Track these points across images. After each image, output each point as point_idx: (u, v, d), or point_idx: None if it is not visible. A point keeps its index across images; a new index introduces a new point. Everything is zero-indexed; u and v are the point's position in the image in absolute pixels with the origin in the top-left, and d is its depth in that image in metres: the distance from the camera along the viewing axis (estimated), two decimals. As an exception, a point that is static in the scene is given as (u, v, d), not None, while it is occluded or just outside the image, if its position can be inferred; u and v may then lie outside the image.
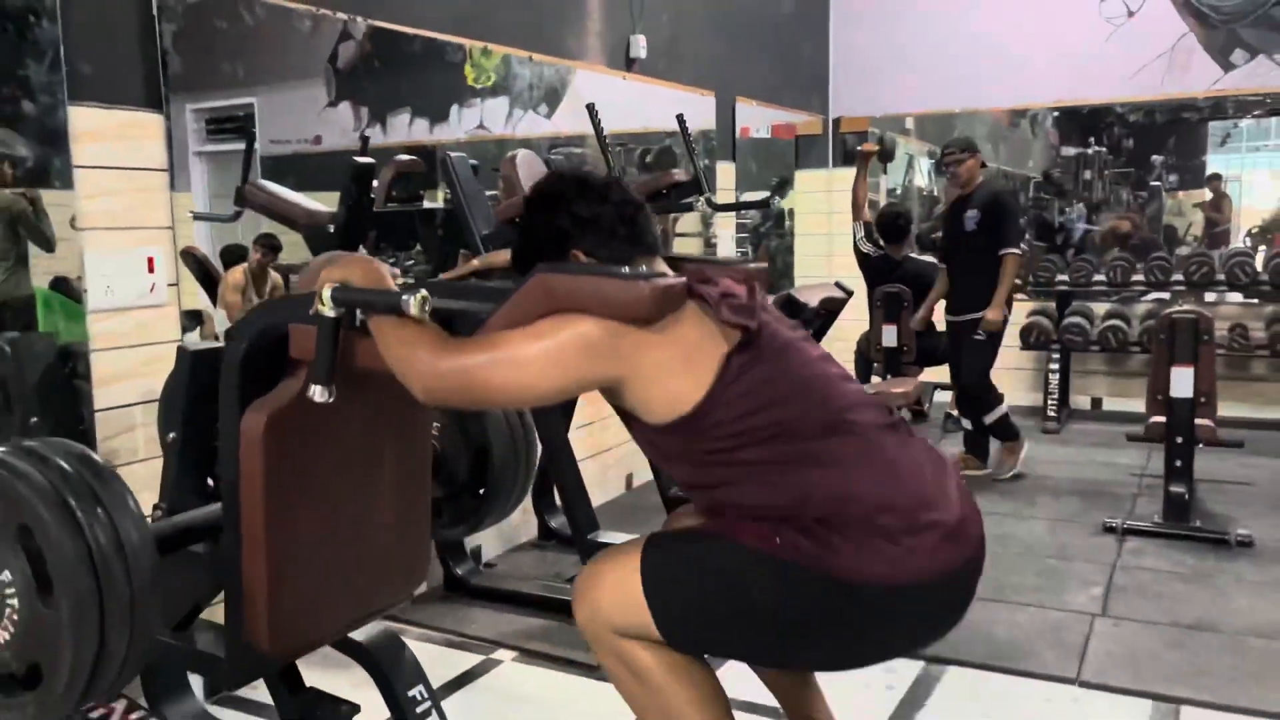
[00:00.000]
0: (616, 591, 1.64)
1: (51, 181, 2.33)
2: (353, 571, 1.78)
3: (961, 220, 4.64)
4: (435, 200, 3.47)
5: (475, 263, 2.08)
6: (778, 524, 1.56)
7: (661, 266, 1.72)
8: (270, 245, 3.05)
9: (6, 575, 1.37)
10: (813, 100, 6.77)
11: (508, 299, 1.56)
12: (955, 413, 5.34)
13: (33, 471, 1.37)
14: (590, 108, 3.86)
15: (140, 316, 2.49)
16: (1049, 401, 5.87)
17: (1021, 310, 6.21)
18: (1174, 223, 6.34)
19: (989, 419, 4.76)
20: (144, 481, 2.16)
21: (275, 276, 3.06)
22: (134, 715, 1.72)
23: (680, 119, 4.04)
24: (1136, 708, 2.58)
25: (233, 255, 3.01)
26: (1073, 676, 2.74)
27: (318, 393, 1.55)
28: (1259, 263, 5.65)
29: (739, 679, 1.77)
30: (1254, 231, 6.10)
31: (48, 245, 2.42)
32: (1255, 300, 5.81)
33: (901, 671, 2.80)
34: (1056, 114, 6.39)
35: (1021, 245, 4.67)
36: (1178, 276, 5.74)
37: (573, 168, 1.67)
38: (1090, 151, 6.36)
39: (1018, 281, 6.26)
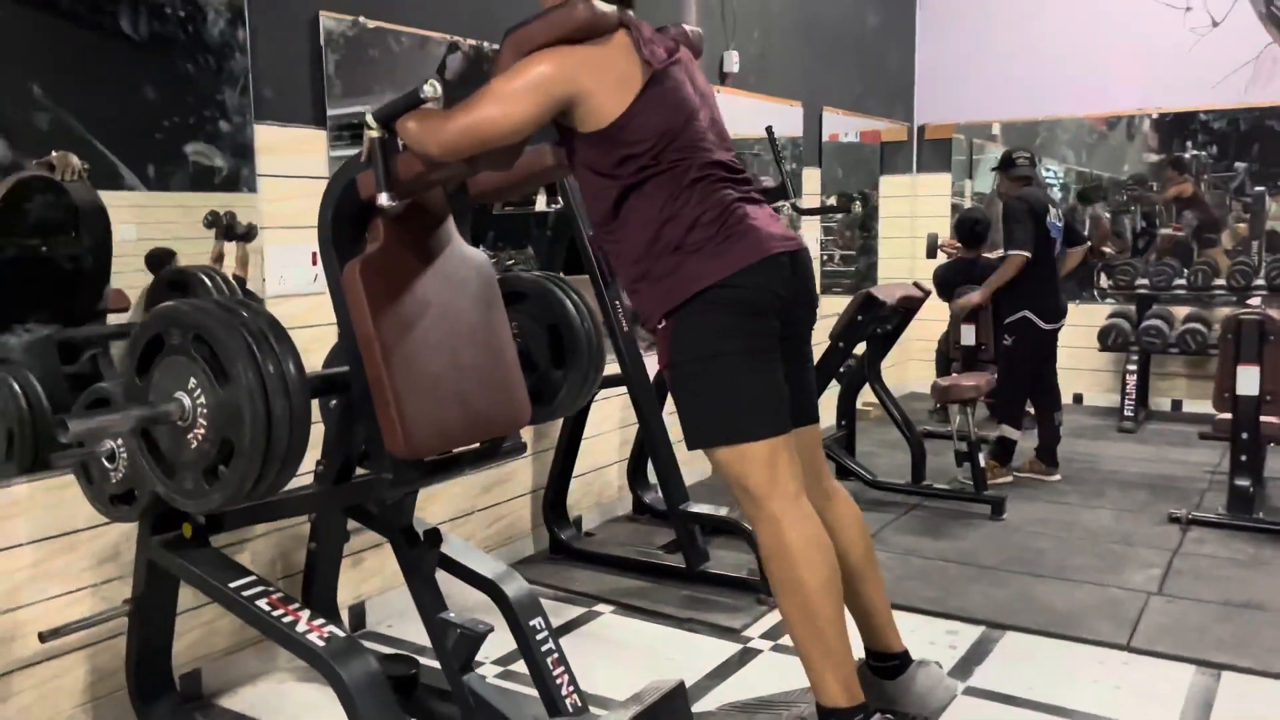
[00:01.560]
0: (720, 470, 2.18)
1: (240, 187, 2.77)
2: (459, 397, 2.16)
3: None
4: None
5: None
6: (656, 299, 2.11)
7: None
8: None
9: (193, 381, 1.84)
10: (897, 108, 7.01)
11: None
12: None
13: (193, 300, 1.93)
14: (769, 130, 4.24)
15: (306, 302, 2.93)
16: (1125, 402, 6.01)
17: (1100, 313, 6.37)
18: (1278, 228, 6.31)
19: (996, 433, 4.83)
20: (312, 441, 2.58)
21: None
22: (318, 620, 2.09)
23: (769, 130, 4.35)
24: (1181, 671, 2.82)
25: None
26: (1123, 643, 2.98)
27: (384, 198, 1.92)
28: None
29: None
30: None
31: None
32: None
33: (964, 634, 3.09)
34: (1155, 117, 6.48)
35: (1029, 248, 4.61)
36: (1259, 281, 5.83)
37: None
38: (1188, 156, 6.44)
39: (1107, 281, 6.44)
